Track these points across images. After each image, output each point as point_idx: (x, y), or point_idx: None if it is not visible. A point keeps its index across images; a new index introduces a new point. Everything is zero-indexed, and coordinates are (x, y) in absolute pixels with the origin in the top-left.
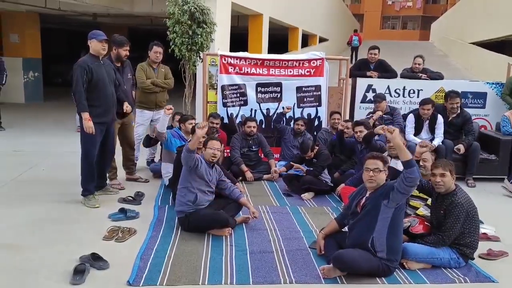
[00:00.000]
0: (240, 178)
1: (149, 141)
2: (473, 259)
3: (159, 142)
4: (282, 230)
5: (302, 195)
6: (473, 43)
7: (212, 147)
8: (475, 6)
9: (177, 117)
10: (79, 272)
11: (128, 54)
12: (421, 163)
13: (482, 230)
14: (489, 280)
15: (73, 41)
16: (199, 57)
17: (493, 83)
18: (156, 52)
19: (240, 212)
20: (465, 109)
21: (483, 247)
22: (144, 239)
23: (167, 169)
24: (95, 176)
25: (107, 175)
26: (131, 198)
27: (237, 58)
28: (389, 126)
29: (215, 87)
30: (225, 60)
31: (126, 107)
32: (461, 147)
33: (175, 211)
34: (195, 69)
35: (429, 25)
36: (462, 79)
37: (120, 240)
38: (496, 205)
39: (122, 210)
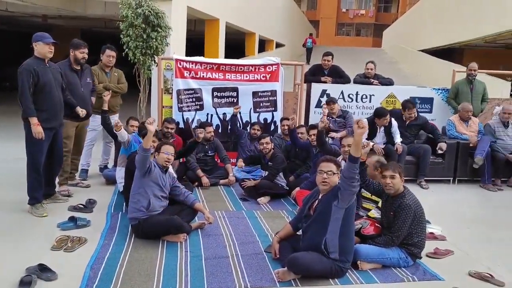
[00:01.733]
0: (196, 183)
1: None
2: (420, 258)
3: (113, 148)
4: (237, 234)
5: (258, 199)
6: (422, 51)
7: (166, 152)
8: (424, 15)
9: (132, 122)
10: (25, 284)
11: (85, 57)
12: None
13: (429, 230)
14: (436, 278)
15: (23, 44)
16: (154, 61)
17: (439, 89)
18: (109, 55)
19: (196, 217)
20: None
21: (430, 246)
22: (95, 248)
23: (123, 174)
24: (42, 183)
25: (57, 180)
26: (82, 206)
27: (192, 62)
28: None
29: (171, 91)
30: (180, 64)
31: (81, 111)
32: (443, 146)
33: (128, 219)
34: (150, 73)
35: (381, 33)
36: (411, 85)
37: (69, 250)
38: (442, 206)
39: (72, 219)
